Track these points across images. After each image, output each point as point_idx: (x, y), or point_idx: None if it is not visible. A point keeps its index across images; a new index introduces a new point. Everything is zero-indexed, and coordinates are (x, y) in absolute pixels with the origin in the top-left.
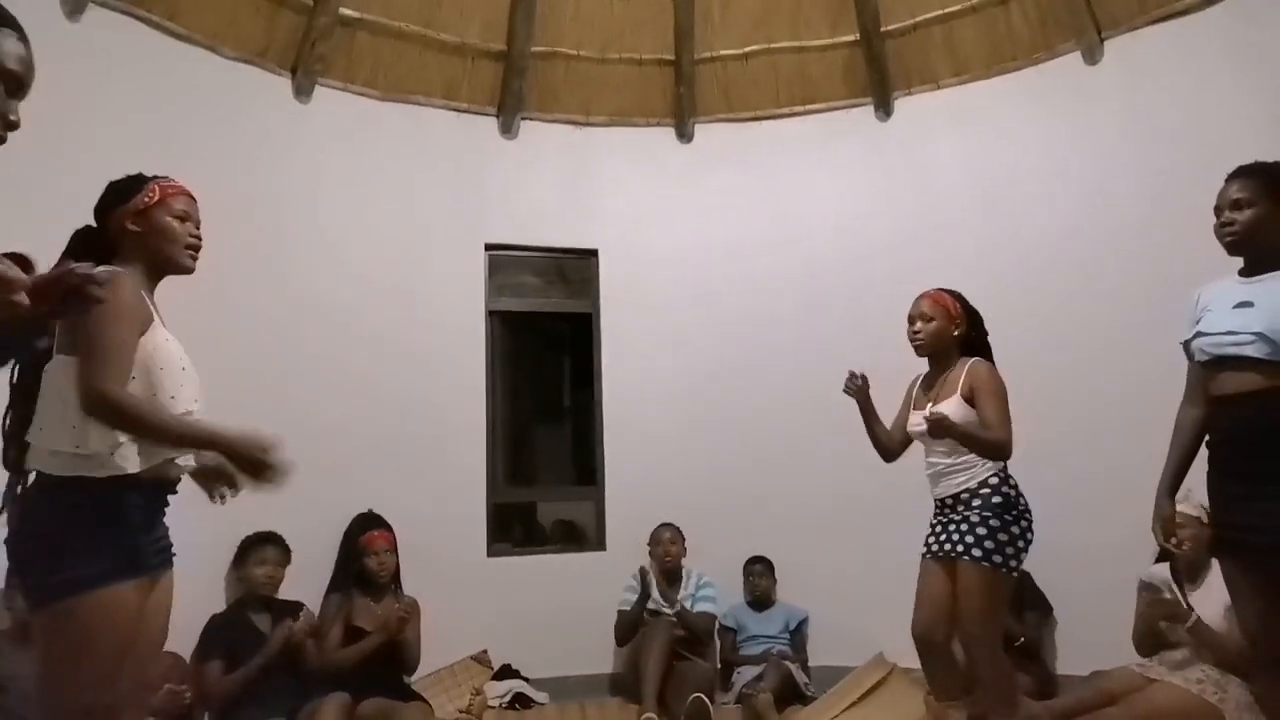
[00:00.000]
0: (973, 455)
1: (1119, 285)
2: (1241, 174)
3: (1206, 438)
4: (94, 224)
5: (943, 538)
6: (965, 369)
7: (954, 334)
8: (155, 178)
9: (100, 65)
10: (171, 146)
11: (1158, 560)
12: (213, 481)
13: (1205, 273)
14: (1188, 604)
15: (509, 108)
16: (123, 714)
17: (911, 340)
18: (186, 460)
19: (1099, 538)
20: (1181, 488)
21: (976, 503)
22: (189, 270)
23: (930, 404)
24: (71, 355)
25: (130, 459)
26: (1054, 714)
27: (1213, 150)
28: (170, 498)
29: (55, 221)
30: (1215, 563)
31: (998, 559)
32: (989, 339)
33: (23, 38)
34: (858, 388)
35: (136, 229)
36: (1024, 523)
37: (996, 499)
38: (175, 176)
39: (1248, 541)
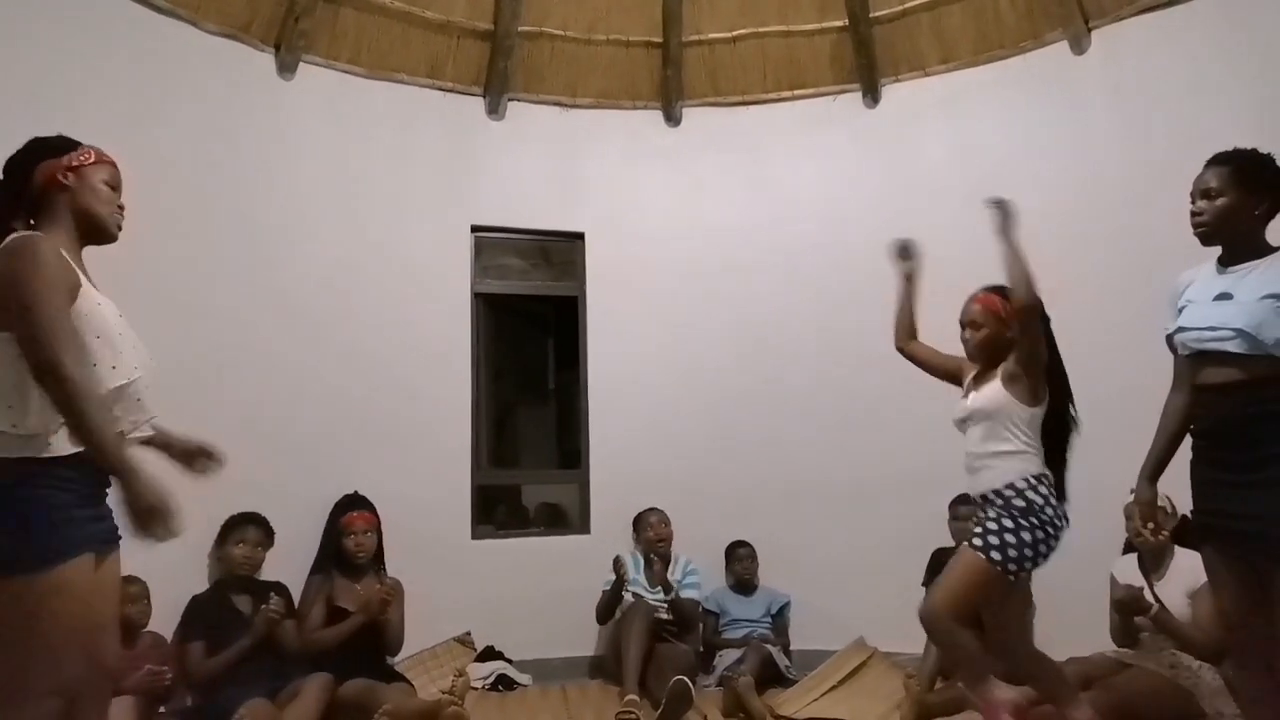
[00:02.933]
0: (1002, 447)
1: (1105, 275)
2: (1215, 162)
3: (1191, 426)
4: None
5: (972, 532)
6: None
7: (1006, 336)
8: (80, 143)
9: (80, 38)
10: (152, 121)
11: (1125, 552)
12: (191, 460)
13: (1192, 262)
14: (1154, 594)
15: (495, 88)
16: (81, 699)
17: (964, 345)
18: (142, 430)
19: (1077, 526)
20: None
21: (999, 502)
22: (113, 238)
23: (972, 392)
24: (6, 331)
25: (65, 442)
26: (1031, 699)
27: (1199, 140)
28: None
29: None
30: (1178, 551)
31: (996, 555)
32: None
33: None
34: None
35: (66, 183)
36: (1041, 531)
37: (1019, 502)
38: (156, 152)
39: (1229, 529)
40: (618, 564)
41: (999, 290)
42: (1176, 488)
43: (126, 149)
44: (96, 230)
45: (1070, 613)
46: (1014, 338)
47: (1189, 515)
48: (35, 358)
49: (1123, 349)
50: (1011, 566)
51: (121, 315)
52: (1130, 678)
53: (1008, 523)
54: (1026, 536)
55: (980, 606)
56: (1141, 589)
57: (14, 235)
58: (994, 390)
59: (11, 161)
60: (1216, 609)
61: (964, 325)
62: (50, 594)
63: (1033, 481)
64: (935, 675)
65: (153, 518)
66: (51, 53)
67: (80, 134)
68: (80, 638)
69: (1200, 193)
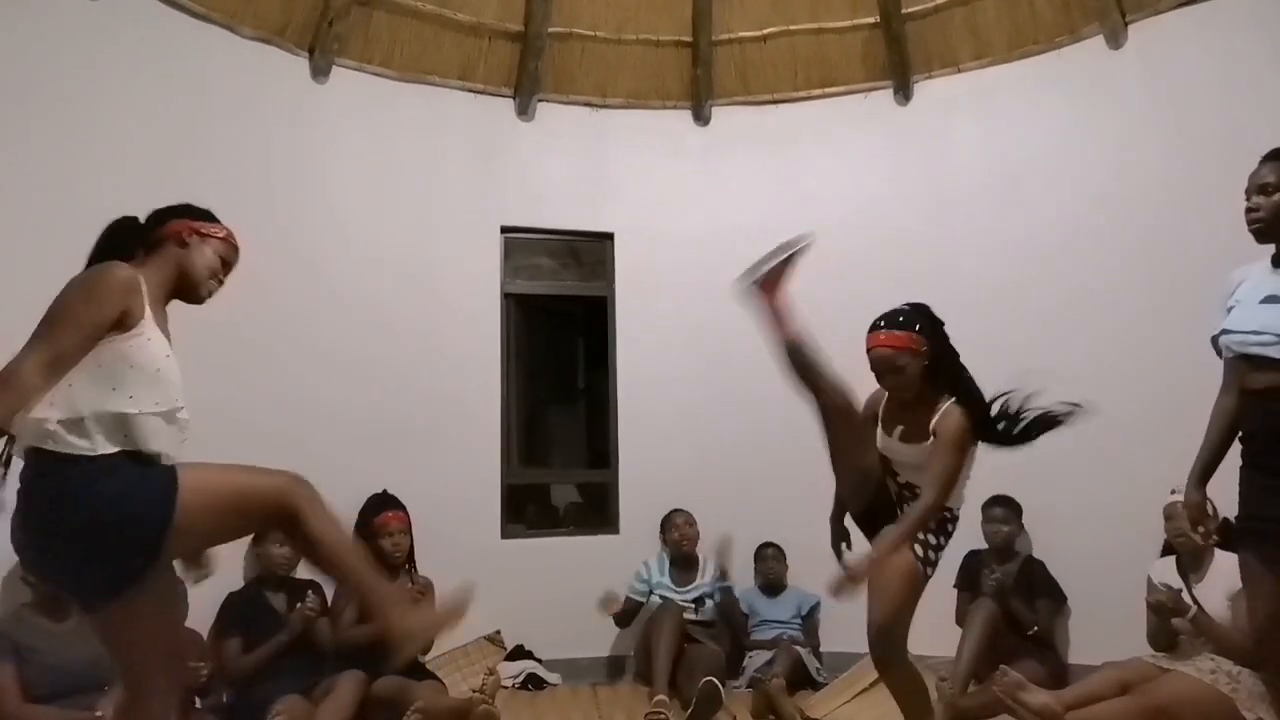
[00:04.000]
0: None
1: (1142, 275)
2: (1272, 157)
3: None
4: (135, 218)
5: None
6: (939, 412)
7: (924, 366)
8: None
9: (118, 45)
10: (189, 125)
11: (1163, 554)
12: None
13: (1233, 262)
14: (1192, 596)
15: (525, 89)
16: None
17: (888, 390)
18: (165, 405)
19: (1115, 528)
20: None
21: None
22: (199, 302)
23: (896, 435)
24: (107, 336)
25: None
26: (1065, 703)
27: (1239, 136)
28: None
29: (71, 197)
30: (1218, 554)
31: (918, 549)
32: (949, 344)
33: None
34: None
35: (186, 241)
36: (949, 528)
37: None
38: (191, 155)
39: (1270, 533)
40: (641, 571)
41: (901, 323)
42: (1217, 490)
43: (161, 151)
44: (188, 289)
45: (1107, 617)
46: (930, 364)
47: (1229, 519)
48: (18, 361)
49: (1159, 351)
50: (933, 554)
51: (169, 356)
52: (1168, 682)
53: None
54: (943, 540)
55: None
56: (1180, 591)
57: (111, 262)
58: (921, 452)
59: (155, 210)
60: (1247, 613)
61: (881, 372)
62: (154, 595)
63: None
64: (968, 678)
65: None
66: (87, 59)
67: (116, 138)
68: (178, 632)
69: (1257, 188)
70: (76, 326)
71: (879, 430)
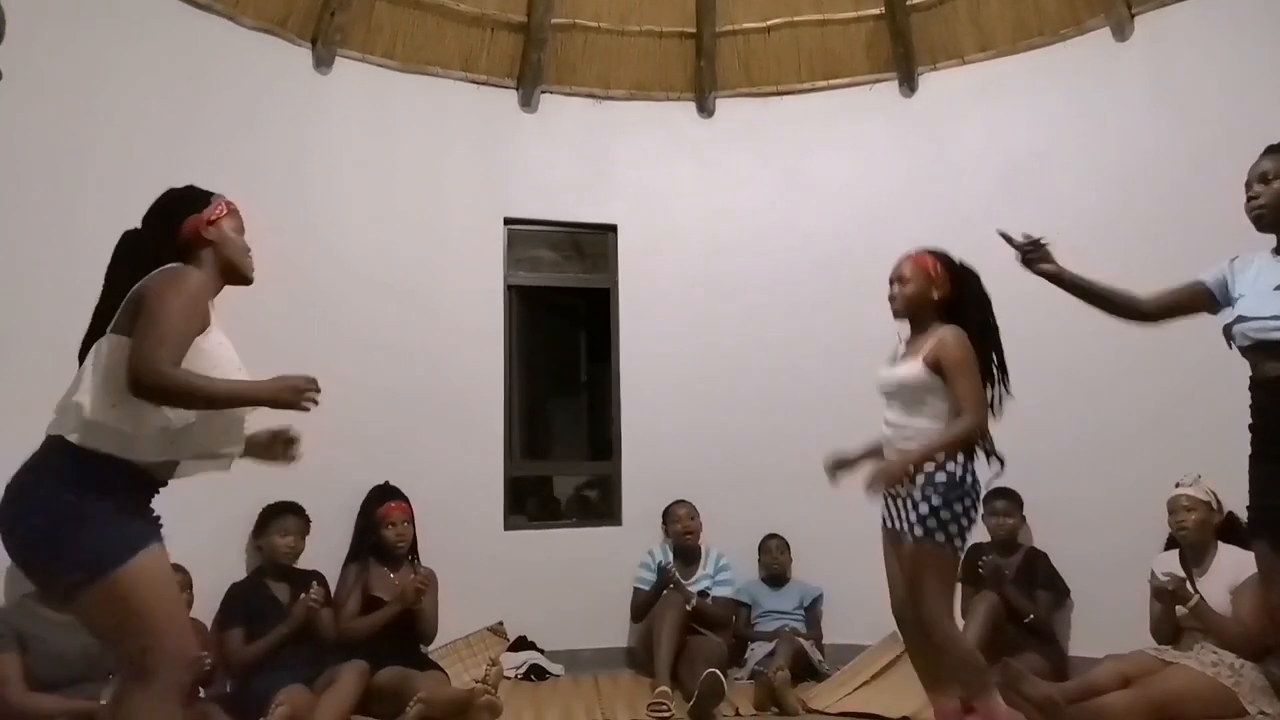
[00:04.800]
0: (929, 423)
1: (1147, 267)
2: (1274, 150)
3: (1249, 421)
4: (141, 227)
5: (893, 512)
6: (935, 335)
7: (933, 298)
8: (212, 193)
9: (119, 35)
10: (191, 116)
11: (1166, 548)
12: (272, 448)
13: (1243, 252)
14: (1194, 587)
15: (528, 80)
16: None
17: (890, 302)
18: (234, 447)
19: (1118, 520)
20: (1191, 473)
21: (920, 479)
22: (250, 282)
23: (896, 363)
24: (126, 336)
25: (153, 449)
26: (1066, 696)
27: (1245, 128)
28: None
29: (73, 188)
30: (1221, 547)
31: (940, 536)
32: (985, 299)
33: None
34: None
35: (210, 238)
36: (966, 501)
37: (941, 476)
38: (194, 146)
39: None
40: (667, 573)
41: (933, 252)
42: (1224, 482)
43: (164, 142)
44: (237, 278)
45: (1109, 609)
46: (940, 298)
47: (1234, 513)
48: (137, 362)
49: (1163, 344)
50: (956, 542)
51: (237, 358)
52: (1170, 675)
53: (935, 500)
54: (957, 508)
55: (945, 589)
56: (1184, 579)
57: (173, 265)
58: (916, 367)
59: (151, 214)
60: (1266, 604)
61: (891, 281)
62: (157, 567)
63: (950, 452)
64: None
65: (296, 401)
66: (90, 48)
67: (117, 127)
68: (181, 612)
69: (1258, 177)
70: (191, 323)
71: (886, 370)
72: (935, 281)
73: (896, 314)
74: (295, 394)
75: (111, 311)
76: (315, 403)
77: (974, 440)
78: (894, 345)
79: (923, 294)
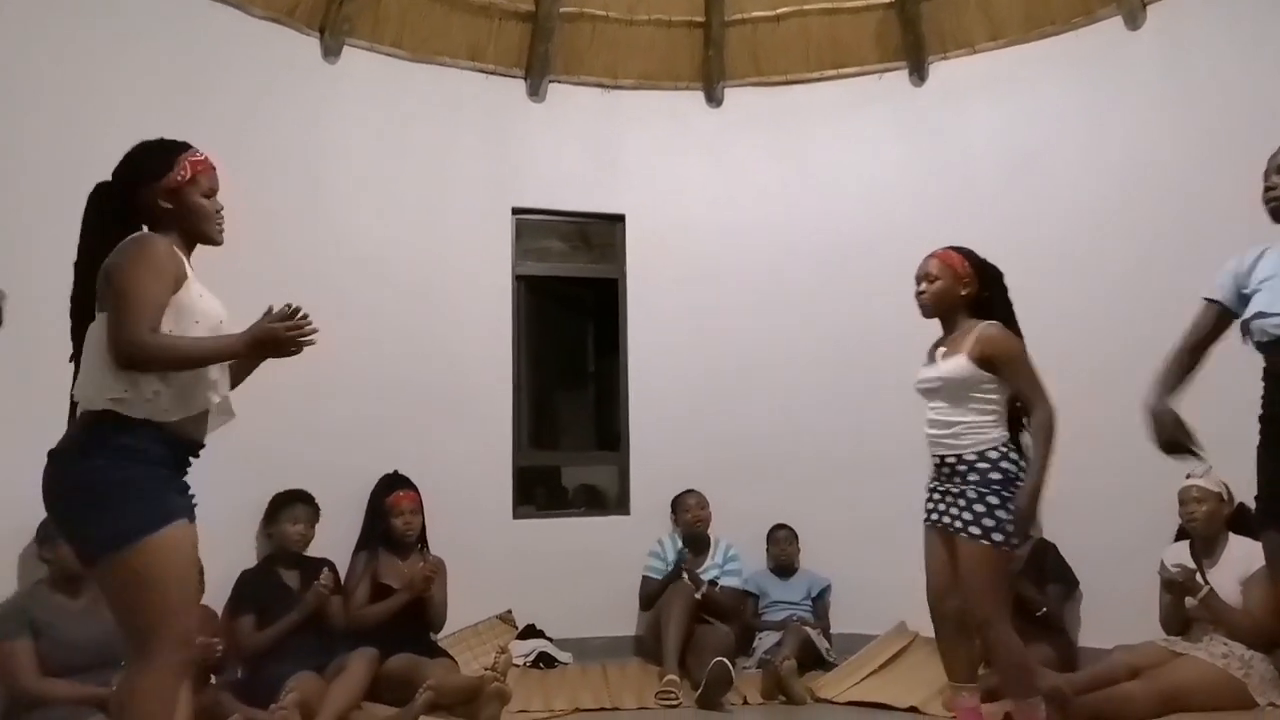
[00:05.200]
0: (977, 418)
1: (1158, 258)
2: None
3: (1259, 413)
4: (110, 183)
5: (941, 508)
6: (975, 331)
7: (961, 294)
8: (182, 150)
9: (128, 24)
10: (200, 105)
11: (1176, 539)
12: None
13: (1251, 244)
14: (1204, 578)
15: (536, 70)
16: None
17: (917, 300)
18: (222, 392)
19: (1127, 512)
20: (1202, 464)
21: (974, 477)
22: (219, 243)
23: (938, 360)
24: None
25: (168, 408)
26: (1075, 687)
27: (1258, 118)
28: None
29: (80, 176)
30: (1231, 538)
31: (998, 537)
32: (1008, 298)
33: None
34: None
35: (169, 206)
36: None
37: (995, 475)
38: (203, 136)
39: None
40: (682, 564)
41: (958, 249)
42: (1231, 475)
43: (172, 131)
44: (203, 240)
45: (1119, 600)
46: (968, 295)
47: (1244, 504)
48: (115, 336)
49: (1170, 337)
50: (1014, 540)
51: (223, 309)
52: (1180, 667)
53: (992, 499)
54: (1012, 507)
55: (1001, 587)
56: (1194, 570)
57: (133, 235)
58: (963, 363)
59: (119, 171)
60: (1276, 595)
61: (919, 279)
62: (172, 547)
63: (1004, 450)
64: (978, 662)
65: (288, 342)
66: (99, 36)
67: (126, 117)
68: (191, 594)
69: (1276, 168)
70: (160, 288)
71: (920, 370)
72: (963, 278)
73: (925, 312)
74: (276, 337)
75: (88, 266)
76: (310, 339)
77: (1054, 426)
78: (929, 346)
79: (951, 291)
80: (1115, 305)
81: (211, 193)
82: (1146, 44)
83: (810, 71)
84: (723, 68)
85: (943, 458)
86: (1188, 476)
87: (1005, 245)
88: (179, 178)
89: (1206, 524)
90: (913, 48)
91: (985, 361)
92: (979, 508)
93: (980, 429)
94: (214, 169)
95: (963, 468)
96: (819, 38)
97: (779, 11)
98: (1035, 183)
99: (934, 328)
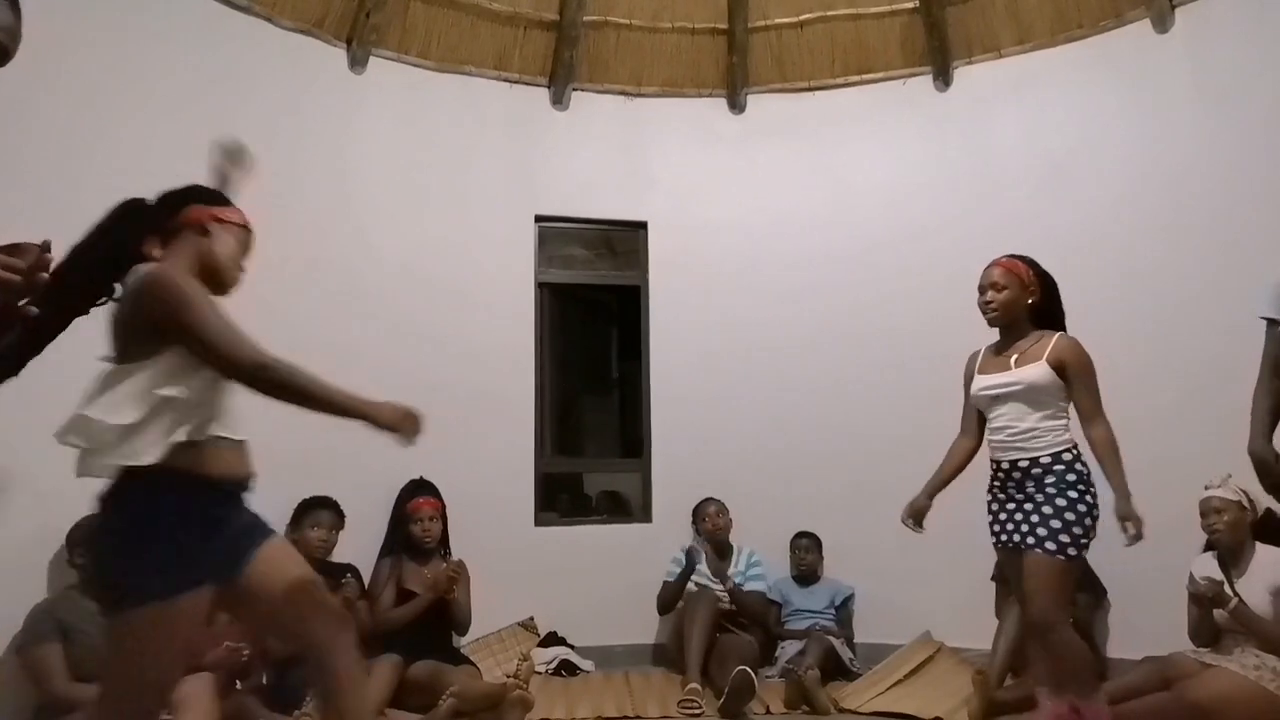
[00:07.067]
0: (1052, 423)
1: (1186, 262)
2: None
3: None
4: (144, 200)
5: (1010, 526)
6: (1051, 341)
7: (1028, 303)
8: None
9: (157, 34)
10: (227, 115)
11: (1204, 550)
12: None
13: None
14: (1233, 589)
15: (560, 78)
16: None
17: (983, 310)
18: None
19: (1155, 521)
20: (1221, 472)
21: (1050, 479)
22: (224, 293)
23: (1009, 367)
24: (140, 361)
25: (144, 451)
26: (1105, 697)
27: None
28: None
29: (107, 187)
30: (1259, 548)
31: (1072, 552)
32: (1063, 308)
33: (14, 6)
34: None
35: (207, 234)
36: (1091, 497)
37: (1071, 476)
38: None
39: None
40: (691, 554)
41: (1020, 257)
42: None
43: (201, 142)
44: (215, 280)
45: (1147, 611)
46: (1035, 304)
47: (1271, 509)
48: (233, 364)
49: (1202, 339)
50: (1084, 541)
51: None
52: (1210, 678)
53: (1062, 502)
54: (1083, 508)
55: (1070, 595)
56: (1222, 583)
57: (145, 271)
58: (1043, 369)
59: (167, 194)
60: None
61: (984, 289)
62: (169, 623)
63: (1076, 453)
64: (1005, 671)
65: (405, 426)
66: (128, 48)
67: (155, 127)
68: (170, 677)
69: None
70: (217, 315)
71: (978, 378)
72: (1029, 287)
73: (992, 321)
74: (404, 423)
75: (88, 264)
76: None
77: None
78: (970, 364)
79: (1018, 300)
80: (1145, 310)
81: (245, 248)
82: (1176, 47)
83: (834, 77)
84: (746, 74)
85: (1014, 462)
86: (1206, 487)
87: (1032, 249)
88: (233, 216)
89: (1230, 534)
90: (938, 52)
91: (1060, 369)
92: (1055, 522)
93: (1054, 432)
94: (252, 235)
95: (1037, 470)
96: (843, 43)
97: (802, 18)
98: (1063, 187)
99: (960, 336)
